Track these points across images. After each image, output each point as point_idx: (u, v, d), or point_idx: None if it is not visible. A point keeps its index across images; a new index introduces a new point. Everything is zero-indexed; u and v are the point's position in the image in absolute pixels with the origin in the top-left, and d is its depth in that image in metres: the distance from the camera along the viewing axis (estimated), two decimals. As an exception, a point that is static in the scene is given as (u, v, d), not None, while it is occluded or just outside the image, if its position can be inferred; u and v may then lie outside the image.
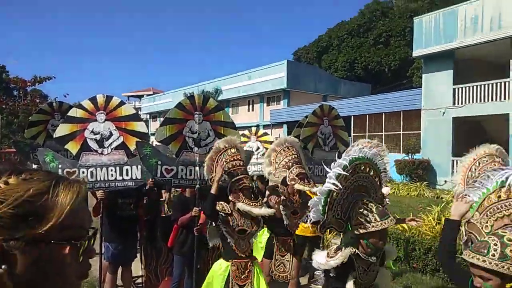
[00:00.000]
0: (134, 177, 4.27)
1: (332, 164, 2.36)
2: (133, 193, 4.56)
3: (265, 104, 32.05)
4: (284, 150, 4.25)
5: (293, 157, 4.21)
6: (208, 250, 5.53)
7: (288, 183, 4.06)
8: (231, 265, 3.39)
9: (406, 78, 35.12)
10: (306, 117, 5.65)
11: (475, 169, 3.19)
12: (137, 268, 5.27)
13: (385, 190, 4.68)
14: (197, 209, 4.28)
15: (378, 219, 2.28)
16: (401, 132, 20.45)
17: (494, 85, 15.18)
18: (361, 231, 2.31)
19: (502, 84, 14.91)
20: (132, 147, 4.30)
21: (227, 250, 3.48)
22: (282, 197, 3.99)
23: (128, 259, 4.76)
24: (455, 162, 16.14)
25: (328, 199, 2.30)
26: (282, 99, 30.51)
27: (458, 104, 16.33)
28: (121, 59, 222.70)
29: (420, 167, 16.59)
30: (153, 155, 4.10)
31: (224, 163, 3.44)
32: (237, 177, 3.41)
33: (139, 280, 5.41)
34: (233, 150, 3.52)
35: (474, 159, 3.27)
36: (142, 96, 52.57)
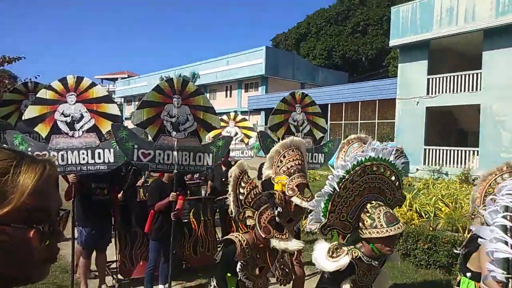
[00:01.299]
0: (106, 161, 4.16)
1: (336, 166, 2.29)
2: (107, 178, 4.45)
3: (243, 91, 31.90)
4: (288, 154, 3.74)
5: (297, 163, 3.70)
6: (185, 235, 5.55)
7: (286, 193, 3.61)
8: None
9: (383, 67, 35.63)
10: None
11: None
12: (111, 253, 5.21)
13: None
14: (175, 194, 4.23)
15: (385, 225, 2.22)
16: (376, 121, 20.83)
17: (467, 76, 15.57)
18: (366, 235, 2.27)
19: (474, 75, 15.31)
20: (104, 130, 4.19)
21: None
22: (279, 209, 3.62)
23: (102, 244, 4.68)
24: (427, 150, 16.60)
25: (330, 202, 2.23)
26: (260, 85, 30.43)
27: (431, 94, 16.70)
28: (96, 41, 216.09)
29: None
30: (129, 138, 4.00)
31: (246, 194, 2.92)
32: (261, 208, 2.87)
33: (114, 265, 5.35)
34: (247, 177, 3.01)
35: (496, 174, 3.19)
36: (117, 79, 51.40)
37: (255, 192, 2.94)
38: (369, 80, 26.06)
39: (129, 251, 5.12)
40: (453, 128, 17.92)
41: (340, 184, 2.17)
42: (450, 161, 15.70)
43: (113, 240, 5.08)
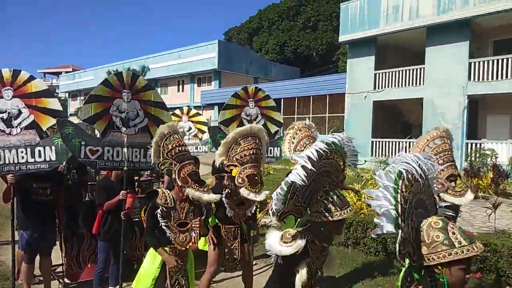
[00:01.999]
0: (48, 159, 3.93)
1: (300, 155, 2.31)
2: (50, 177, 4.18)
3: (195, 85, 31.46)
4: (244, 142, 3.66)
5: (251, 152, 3.64)
6: (136, 235, 5.36)
7: (236, 183, 3.59)
8: (168, 251, 3.23)
9: (333, 62, 36.59)
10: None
11: (429, 150, 3.45)
12: (57, 256, 4.92)
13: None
14: (124, 192, 4.06)
15: (339, 209, 2.31)
16: (327, 115, 21.38)
17: (411, 71, 16.37)
18: (321, 219, 2.32)
19: (418, 70, 16.13)
20: (45, 126, 3.97)
21: (164, 239, 3.24)
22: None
23: (45, 247, 4.39)
24: (374, 142, 17.31)
25: (291, 189, 2.28)
26: (213, 80, 30.16)
27: (378, 88, 17.40)
28: (38, 33, 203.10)
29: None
30: (76, 134, 3.79)
31: (171, 148, 3.19)
32: (184, 162, 3.17)
33: (60, 269, 5.07)
34: (176, 136, 3.28)
35: (428, 140, 3.53)
36: (60, 73, 48.76)
37: (181, 149, 3.21)
38: (320, 75, 26.66)
39: (76, 254, 4.88)
40: (398, 120, 18.79)
41: (306, 171, 2.21)
42: (396, 152, 16.45)
43: (58, 242, 4.81)
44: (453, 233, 1.60)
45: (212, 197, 3.23)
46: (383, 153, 16.81)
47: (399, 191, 1.60)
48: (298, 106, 22.97)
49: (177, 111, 8.16)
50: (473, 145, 14.50)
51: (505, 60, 13.70)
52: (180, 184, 3.14)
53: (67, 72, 47.29)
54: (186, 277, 3.37)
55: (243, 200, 3.75)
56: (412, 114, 17.15)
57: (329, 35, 36.83)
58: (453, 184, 3.39)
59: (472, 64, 14.53)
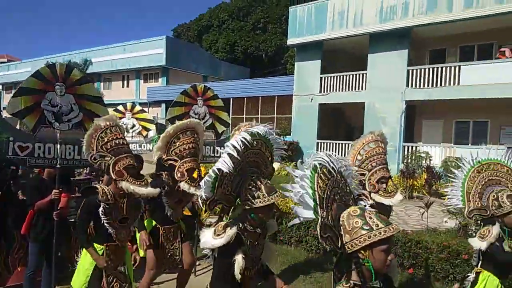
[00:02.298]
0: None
1: (226, 144, 2.34)
2: None
3: (141, 81, 30.56)
4: (182, 136, 3.69)
5: (190, 146, 3.68)
6: (71, 236, 5.06)
7: (176, 177, 3.59)
8: (105, 248, 3.14)
9: (282, 64, 37.19)
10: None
11: (363, 153, 3.61)
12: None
13: (276, 165, 4.84)
14: (57, 191, 3.82)
15: (266, 195, 2.38)
16: (275, 116, 21.68)
17: (354, 76, 17.05)
18: (249, 206, 2.38)
19: (361, 75, 16.84)
20: None
21: (103, 236, 3.14)
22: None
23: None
24: (320, 144, 17.82)
25: (219, 177, 2.32)
26: (161, 76, 29.46)
27: (324, 92, 17.94)
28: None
29: (290, 149, 17.86)
30: (3, 129, 3.51)
31: (106, 141, 3.08)
32: (120, 156, 3.07)
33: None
34: (114, 128, 3.17)
35: (363, 143, 3.66)
36: (-7, 62, 45.05)
37: (118, 142, 3.12)
38: (269, 76, 26.98)
39: (5, 257, 4.53)
40: (342, 123, 19.50)
41: (232, 160, 2.25)
42: (339, 153, 17.02)
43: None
44: (370, 218, 1.71)
45: (150, 190, 3.12)
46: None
47: (315, 181, 1.73)
48: (247, 106, 23.08)
49: (120, 107, 7.86)
50: (410, 148, 15.39)
51: (439, 69, 14.68)
52: (114, 178, 3.03)
53: (1, 62, 43.89)
54: (125, 275, 3.29)
55: (181, 198, 3.71)
56: (355, 118, 17.85)
57: (278, 37, 37.36)
58: (384, 185, 3.56)
59: (410, 71, 15.41)
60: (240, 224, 2.40)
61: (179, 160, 3.62)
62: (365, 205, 1.87)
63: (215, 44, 39.33)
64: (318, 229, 1.68)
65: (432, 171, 12.05)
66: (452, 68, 14.42)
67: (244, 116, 22.88)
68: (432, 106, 15.88)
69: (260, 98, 22.35)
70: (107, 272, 3.14)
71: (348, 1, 16.77)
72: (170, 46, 28.45)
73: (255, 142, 2.43)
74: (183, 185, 3.57)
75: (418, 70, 15.23)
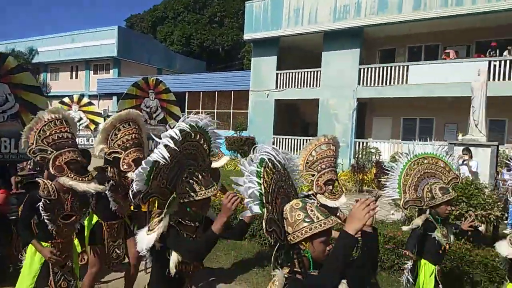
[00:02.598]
0: None
1: (162, 135, 2.23)
2: None
3: (91, 72, 29.30)
4: (124, 127, 3.63)
5: (133, 137, 3.63)
6: (12, 234, 4.74)
7: (122, 169, 3.50)
8: (50, 245, 3.03)
9: (238, 59, 37.08)
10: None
11: (315, 154, 3.73)
12: None
13: (225, 159, 4.77)
14: None
15: (203, 189, 2.31)
16: (231, 111, 21.60)
17: (309, 73, 17.35)
18: (186, 199, 2.30)
19: (315, 73, 17.16)
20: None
21: (46, 233, 3.02)
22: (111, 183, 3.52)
23: None
24: (276, 139, 17.99)
25: (154, 169, 2.21)
26: (112, 68, 28.38)
27: (279, 88, 18.11)
28: None
29: (247, 144, 17.90)
30: None
31: (48, 134, 2.96)
32: (62, 150, 2.96)
33: None
34: (60, 122, 3.05)
35: (315, 145, 3.78)
36: None
37: (61, 136, 3.02)
38: (226, 70, 26.81)
39: None
40: (298, 119, 19.80)
41: (169, 151, 2.15)
42: (295, 149, 17.30)
43: None
44: (311, 211, 1.78)
45: (91, 186, 3.00)
46: (284, 149, 17.49)
47: (261, 175, 1.76)
48: (203, 101, 22.79)
49: (66, 99, 7.47)
50: (361, 143, 15.92)
51: (389, 68, 15.29)
52: (53, 173, 2.92)
53: None
54: (73, 272, 3.21)
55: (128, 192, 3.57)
56: (310, 114, 18.19)
57: (235, 32, 37.20)
58: (330, 187, 3.67)
59: (362, 70, 15.92)
60: (175, 218, 2.32)
61: (123, 152, 3.54)
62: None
63: (170, 36, 38.47)
64: (264, 224, 1.71)
65: (381, 166, 12.54)
66: (401, 67, 15.08)
67: (200, 110, 22.60)
68: (382, 103, 16.52)
69: (216, 92, 22.15)
70: (55, 269, 3.05)
71: (303, -1, 17.00)
72: (122, 36, 27.47)
73: (193, 134, 2.36)
74: (132, 175, 3.45)
75: (369, 69, 15.77)
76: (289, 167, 2.03)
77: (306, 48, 18.45)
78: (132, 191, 2.22)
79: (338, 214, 3.74)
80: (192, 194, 2.28)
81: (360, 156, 14.69)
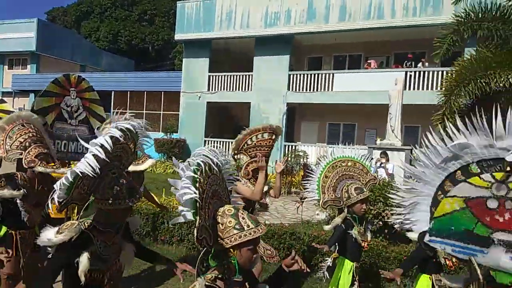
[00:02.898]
0: None
1: (91, 142, 2.10)
2: None
3: (6, 67, 26.82)
4: (18, 129, 3.45)
5: (30, 135, 3.46)
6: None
7: (26, 166, 3.27)
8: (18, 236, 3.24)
9: (170, 59, 36.30)
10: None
11: (255, 140, 3.94)
12: None
13: (149, 162, 4.63)
14: None
15: (127, 198, 2.21)
16: (161, 112, 21.04)
17: (241, 76, 17.54)
18: (106, 207, 2.19)
19: (247, 76, 17.39)
20: None
21: (16, 222, 3.23)
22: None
23: None
24: (207, 142, 17.89)
25: (78, 179, 2.07)
26: (30, 63, 26.21)
27: (211, 90, 18.06)
28: None
29: (177, 146, 17.57)
30: None
31: (19, 135, 3.25)
32: (31, 146, 3.25)
33: None
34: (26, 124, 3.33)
35: (259, 130, 3.95)
36: None
37: (30, 135, 3.37)
38: (156, 70, 26.07)
39: None
40: (230, 122, 19.89)
41: (99, 162, 2.05)
42: (226, 152, 17.38)
43: None
44: (243, 218, 1.81)
45: (5, 192, 3.07)
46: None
47: (197, 181, 1.74)
48: (131, 101, 21.88)
49: (-27, 96, 6.72)
50: (290, 147, 16.44)
51: (316, 75, 16.00)
52: (26, 165, 3.13)
53: None
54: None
55: (40, 200, 3.34)
56: (242, 117, 18.37)
57: (166, 31, 36.38)
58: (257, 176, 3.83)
59: (291, 76, 16.47)
60: (91, 224, 2.21)
61: (23, 152, 3.34)
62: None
63: (96, 32, 36.56)
64: (195, 232, 1.68)
65: (308, 168, 13.03)
66: (327, 75, 15.86)
67: (128, 111, 21.66)
68: (310, 108, 17.23)
69: (145, 93, 21.41)
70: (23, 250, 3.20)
71: (236, 2, 17.15)
72: (42, 30, 25.50)
73: (122, 138, 2.26)
74: (39, 169, 3.26)
75: (298, 75, 16.37)
76: (224, 170, 2.04)
77: (239, 51, 18.63)
78: (51, 200, 2.06)
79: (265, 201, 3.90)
80: (113, 202, 2.17)
81: (289, 159, 15.16)
